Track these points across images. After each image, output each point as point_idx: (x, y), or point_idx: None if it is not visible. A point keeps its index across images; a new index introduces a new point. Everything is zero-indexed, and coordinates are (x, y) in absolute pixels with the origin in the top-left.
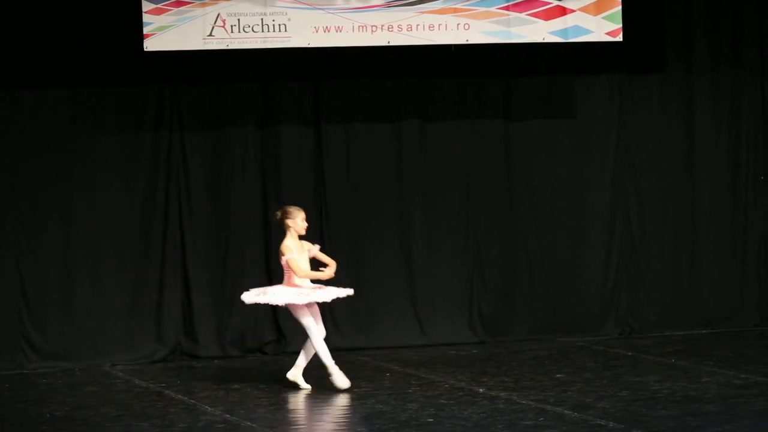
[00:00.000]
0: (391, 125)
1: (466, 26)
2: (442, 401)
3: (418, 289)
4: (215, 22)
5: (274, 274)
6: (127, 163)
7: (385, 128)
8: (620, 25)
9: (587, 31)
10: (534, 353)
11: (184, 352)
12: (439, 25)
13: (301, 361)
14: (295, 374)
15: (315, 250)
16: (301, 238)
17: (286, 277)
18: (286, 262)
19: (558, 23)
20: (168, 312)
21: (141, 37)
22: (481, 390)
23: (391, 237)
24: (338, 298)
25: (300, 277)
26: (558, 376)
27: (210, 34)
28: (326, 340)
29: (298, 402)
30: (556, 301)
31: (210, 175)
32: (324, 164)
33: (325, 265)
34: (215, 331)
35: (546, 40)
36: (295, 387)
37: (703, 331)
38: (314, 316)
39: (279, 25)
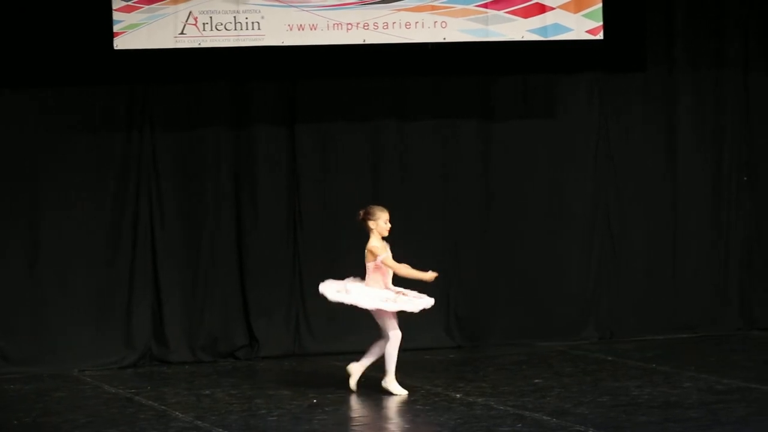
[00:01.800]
0: (366, 125)
1: (443, 24)
2: (418, 407)
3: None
4: (187, 20)
5: (247, 277)
6: (96, 163)
7: (360, 128)
8: (600, 23)
9: (567, 29)
10: (512, 358)
11: (155, 357)
12: (416, 23)
13: (367, 361)
14: (355, 369)
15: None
16: (384, 239)
17: (370, 277)
18: (382, 262)
19: (537, 21)
20: (138, 316)
21: (111, 36)
22: (457, 395)
23: (366, 239)
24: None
25: (401, 274)
26: (536, 381)
27: (182, 33)
28: (300, 344)
29: (271, 408)
30: (535, 305)
31: (181, 175)
32: (298, 165)
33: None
34: (186, 335)
35: (525, 39)
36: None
37: (685, 336)
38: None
39: (252, 23)
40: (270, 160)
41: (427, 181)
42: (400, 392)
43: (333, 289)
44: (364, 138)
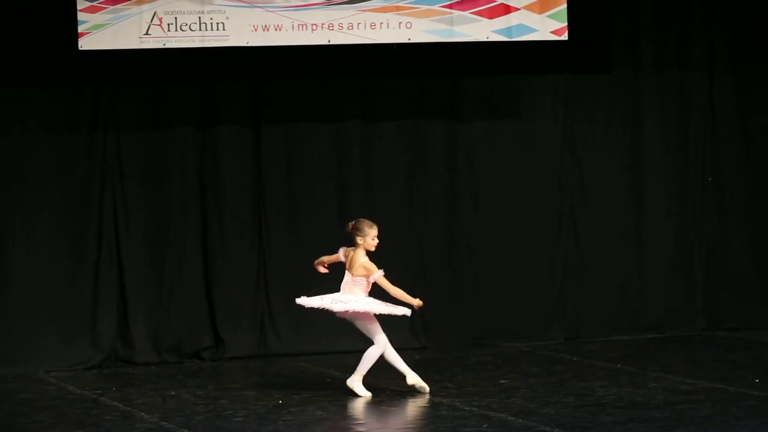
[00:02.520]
0: (332, 126)
1: (408, 25)
2: (384, 408)
3: None
4: (152, 21)
5: (212, 278)
6: (61, 165)
7: (325, 129)
8: (565, 24)
9: (532, 30)
10: (477, 359)
11: (120, 358)
12: (381, 23)
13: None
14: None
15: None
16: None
17: (351, 287)
18: (375, 280)
19: (502, 21)
20: (103, 317)
21: (75, 36)
22: (423, 396)
23: (332, 241)
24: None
25: (393, 295)
26: (502, 381)
27: (146, 33)
28: (266, 345)
29: (237, 409)
30: (501, 306)
31: (147, 177)
32: (263, 166)
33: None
34: (152, 336)
35: (490, 39)
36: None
37: (650, 336)
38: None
39: (217, 23)
40: (235, 161)
41: (392, 182)
42: (364, 394)
43: (315, 301)
44: (330, 139)
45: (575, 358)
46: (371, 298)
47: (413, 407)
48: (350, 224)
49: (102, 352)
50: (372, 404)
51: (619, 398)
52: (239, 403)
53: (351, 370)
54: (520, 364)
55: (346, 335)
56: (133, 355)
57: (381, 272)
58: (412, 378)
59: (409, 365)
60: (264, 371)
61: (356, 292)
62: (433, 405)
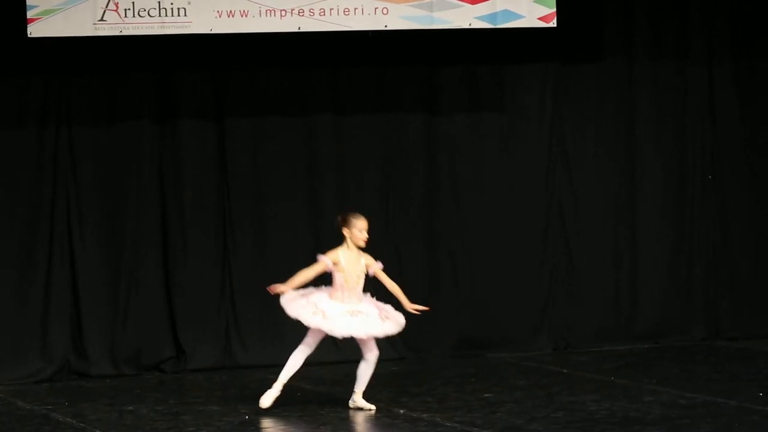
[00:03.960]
0: (302, 119)
1: (385, 11)
2: (359, 423)
3: None
4: (107, 6)
5: (173, 284)
6: (7, 162)
7: (295, 123)
8: (554, 10)
9: (518, 16)
10: (459, 370)
11: (73, 370)
12: (355, 9)
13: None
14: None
15: (376, 267)
16: (363, 250)
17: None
18: (334, 269)
19: (486, 7)
20: (55, 326)
21: (24, 22)
22: (401, 411)
23: (302, 242)
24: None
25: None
26: (486, 395)
27: (101, 19)
28: (231, 356)
29: (199, 425)
30: (484, 313)
31: (101, 175)
32: (228, 162)
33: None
34: (107, 346)
35: (472, 26)
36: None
37: (645, 346)
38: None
39: (178, 9)
40: (198, 157)
41: (367, 179)
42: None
43: (308, 312)
44: (300, 134)
45: (564, 370)
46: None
47: (389, 423)
48: (338, 217)
49: (53, 364)
50: (344, 420)
51: (612, 413)
52: (203, 419)
53: (323, 382)
54: (505, 377)
55: (318, 345)
56: (88, 367)
57: (331, 261)
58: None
59: (385, 378)
60: (229, 384)
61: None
62: (411, 420)
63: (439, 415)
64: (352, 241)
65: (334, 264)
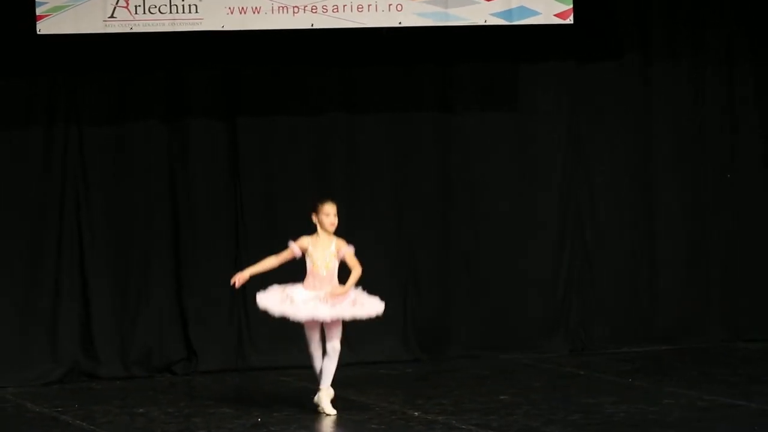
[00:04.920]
0: (314, 118)
1: (399, 7)
2: (373, 426)
3: None
4: (117, 3)
5: (184, 284)
6: (16, 161)
7: (307, 122)
8: (570, 6)
9: (534, 13)
10: (475, 372)
11: (83, 372)
12: (369, 6)
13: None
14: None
15: (346, 250)
16: (337, 234)
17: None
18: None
19: (501, 3)
20: (64, 327)
21: (34, 19)
22: (416, 413)
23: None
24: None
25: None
26: (502, 397)
27: (111, 16)
28: (243, 357)
29: (210, 427)
30: (499, 314)
31: (111, 174)
32: (239, 162)
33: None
34: (118, 348)
35: (488, 23)
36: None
37: (664, 348)
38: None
39: (189, 5)
40: (209, 157)
41: (379, 179)
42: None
43: (275, 300)
44: (312, 132)
45: (581, 372)
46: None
47: (405, 425)
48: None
49: (63, 366)
50: (359, 422)
51: (630, 416)
52: (214, 422)
53: (338, 385)
54: (521, 378)
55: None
56: (98, 368)
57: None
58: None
59: (400, 379)
60: (241, 386)
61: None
62: (426, 423)
63: (454, 418)
64: (321, 227)
65: (303, 251)
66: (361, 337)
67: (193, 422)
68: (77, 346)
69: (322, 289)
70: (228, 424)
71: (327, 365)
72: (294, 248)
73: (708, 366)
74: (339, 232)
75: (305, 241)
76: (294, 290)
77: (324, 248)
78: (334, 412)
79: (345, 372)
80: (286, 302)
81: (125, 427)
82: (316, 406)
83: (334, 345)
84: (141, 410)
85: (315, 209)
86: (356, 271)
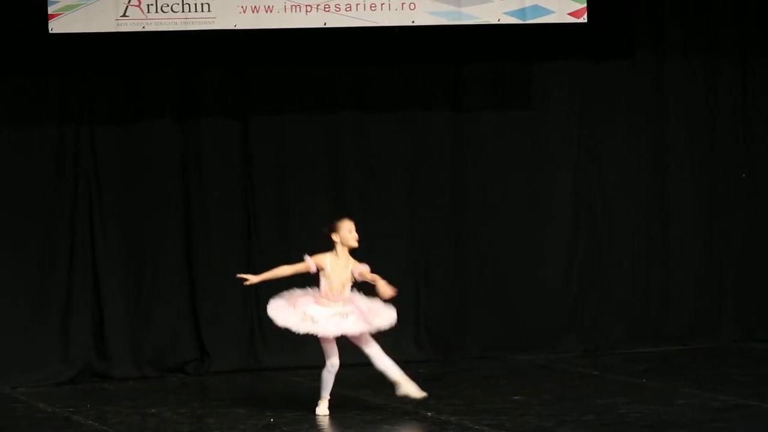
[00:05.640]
0: (327, 117)
1: (412, 6)
2: (386, 426)
3: None
4: (129, 2)
5: (197, 284)
6: (28, 161)
7: (320, 121)
8: (584, 5)
9: (548, 11)
10: (487, 372)
11: (95, 373)
12: (382, 4)
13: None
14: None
15: (362, 269)
16: (352, 252)
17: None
18: (360, 274)
19: (515, 2)
20: (76, 327)
21: (45, 18)
22: (428, 414)
23: (326, 241)
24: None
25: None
26: (515, 398)
27: (124, 15)
28: (255, 358)
29: (223, 428)
30: (512, 315)
31: (123, 174)
32: (252, 161)
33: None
34: (130, 348)
35: (501, 22)
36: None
37: (677, 348)
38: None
39: (201, 4)
40: (221, 156)
41: (392, 178)
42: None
43: (296, 319)
44: (324, 132)
45: (594, 372)
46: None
47: (417, 426)
48: (326, 229)
49: (75, 366)
50: (372, 423)
51: (643, 416)
52: (226, 422)
53: (350, 385)
54: (533, 379)
55: (343, 348)
56: (110, 368)
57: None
58: (406, 387)
59: (413, 380)
60: (253, 386)
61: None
62: (439, 423)
63: (467, 418)
64: (342, 243)
65: (320, 270)
66: (374, 338)
67: (205, 422)
68: (89, 347)
69: (336, 306)
70: (240, 425)
71: (384, 364)
72: (310, 264)
73: (721, 366)
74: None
75: (322, 260)
76: (308, 308)
77: (343, 268)
78: (424, 394)
79: (358, 372)
80: (307, 321)
81: (137, 428)
82: (405, 397)
83: (375, 345)
84: (153, 410)
85: (334, 228)
86: (379, 280)
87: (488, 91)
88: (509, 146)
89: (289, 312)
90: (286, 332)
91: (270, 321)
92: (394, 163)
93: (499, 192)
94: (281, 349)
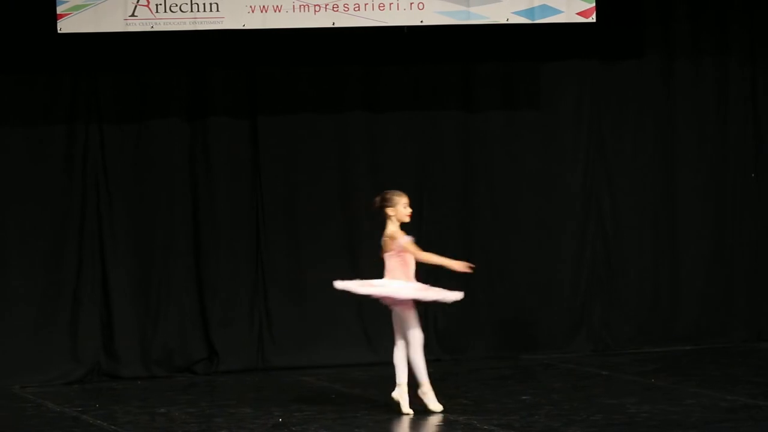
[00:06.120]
0: (335, 117)
1: (421, 6)
2: (394, 426)
3: (366, 300)
4: (138, 1)
5: (205, 284)
6: (37, 160)
7: (328, 120)
8: (593, 5)
9: (556, 11)
10: (496, 372)
11: (104, 372)
12: (390, 4)
13: (402, 377)
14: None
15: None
16: (402, 227)
17: (391, 272)
18: (403, 246)
19: (523, 2)
20: (85, 326)
21: (54, 18)
22: (437, 413)
23: (335, 242)
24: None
25: (425, 260)
26: (523, 397)
27: (132, 15)
28: (264, 357)
29: (231, 427)
30: (521, 314)
31: (132, 173)
32: (261, 161)
33: None
34: (139, 348)
35: (510, 21)
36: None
37: (686, 348)
38: None
39: (210, 4)
40: (230, 156)
41: (401, 178)
42: (436, 407)
43: (355, 284)
44: (333, 131)
45: (603, 372)
46: (414, 283)
47: (425, 425)
48: (376, 199)
49: (84, 366)
50: (380, 422)
51: (652, 416)
52: (235, 422)
53: (358, 384)
54: (542, 379)
55: (352, 347)
56: (119, 368)
57: (407, 238)
58: (425, 392)
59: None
60: (262, 386)
61: (397, 276)
62: (448, 423)
63: (475, 418)
64: (397, 218)
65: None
66: (382, 337)
67: (214, 422)
68: (98, 346)
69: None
70: (249, 424)
71: (418, 359)
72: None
73: (730, 366)
74: (361, 231)
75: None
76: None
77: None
78: (440, 407)
79: (366, 371)
80: (420, 290)
81: (146, 427)
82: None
83: (416, 336)
84: (162, 410)
85: (391, 202)
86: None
87: (498, 91)
88: (518, 146)
89: (352, 282)
90: (294, 332)
91: (278, 321)
92: (403, 162)
93: (508, 192)
94: (290, 349)
